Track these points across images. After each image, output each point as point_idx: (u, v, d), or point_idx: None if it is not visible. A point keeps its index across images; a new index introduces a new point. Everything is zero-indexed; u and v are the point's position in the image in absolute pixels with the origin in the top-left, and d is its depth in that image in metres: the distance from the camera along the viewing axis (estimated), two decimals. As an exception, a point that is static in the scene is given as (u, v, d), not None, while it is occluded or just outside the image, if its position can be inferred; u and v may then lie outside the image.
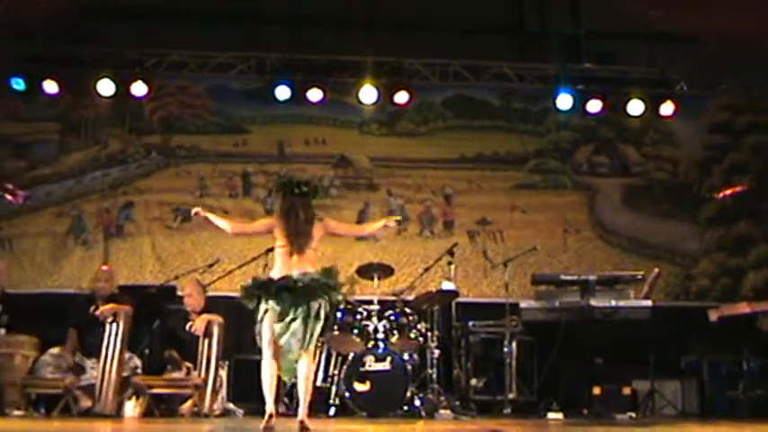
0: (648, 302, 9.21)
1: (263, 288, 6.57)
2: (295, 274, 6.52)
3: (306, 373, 6.54)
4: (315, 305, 6.49)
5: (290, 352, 6.50)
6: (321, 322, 6.52)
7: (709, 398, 9.89)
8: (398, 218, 7.38)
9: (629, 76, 11.12)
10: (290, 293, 6.47)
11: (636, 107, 11.01)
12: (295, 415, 8.81)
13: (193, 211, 6.99)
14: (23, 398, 8.39)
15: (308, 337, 6.48)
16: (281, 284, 6.51)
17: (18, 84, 10.43)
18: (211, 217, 6.95)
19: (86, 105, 10.97)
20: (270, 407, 6.56)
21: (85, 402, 8.40)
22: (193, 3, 11.02)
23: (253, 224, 6.92)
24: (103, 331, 8.49)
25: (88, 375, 8.54)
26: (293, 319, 6.46)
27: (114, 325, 8.47)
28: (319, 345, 9.38)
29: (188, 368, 8.69)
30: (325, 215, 10.66)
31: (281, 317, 6.48)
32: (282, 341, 6.49)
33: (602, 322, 8.98)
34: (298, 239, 6.53)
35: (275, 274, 6.61)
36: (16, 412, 8.35)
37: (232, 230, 7.00)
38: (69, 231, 10.85)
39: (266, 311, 6.53)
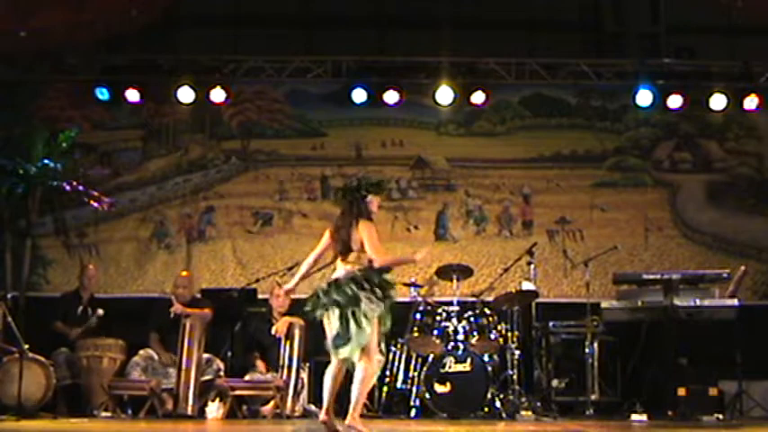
0: (735, 302, 8.99)
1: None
2: (341, 275, 6.52)
3: (360, 377, 6.40)
4: (351, 304, 6.39)
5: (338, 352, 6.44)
6: (358, 327, 6.35)
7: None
8: (426, 249, 7.02)
9: (711, 70, 10.87)
10: (327, 293, 6.47)
11: (718, 102, 10.76)
12: (376, 416, 8.98)
13: (284, 290, 7.22)
14: (111, 400, 8.59)
15: (349, 338, 6.35)
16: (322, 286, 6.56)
17: (102, 94, 10.64)
18: (292, 284, 6.93)
19: (167, 113, 11.16)
20: (323, 411, 6.51)
21: (170, 404, 8.56)
22: (269, 8, 11.16)
23: (321, 241, 6.82)
24: (181, 335, 8.66)
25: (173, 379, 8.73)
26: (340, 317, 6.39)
27: (189, 328, 8.62)
28: (400, 347, 9.44)
29: (266, 367, 8.82)
30: (403, 217, 11.08)
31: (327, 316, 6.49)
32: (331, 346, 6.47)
33: (686, 322, 8.79)
34: (337, 243, 6.62)
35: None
36: (104, 414, 8.56)
37: (315, 260, 6.94)
38: (153, 236, 11.04)
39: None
